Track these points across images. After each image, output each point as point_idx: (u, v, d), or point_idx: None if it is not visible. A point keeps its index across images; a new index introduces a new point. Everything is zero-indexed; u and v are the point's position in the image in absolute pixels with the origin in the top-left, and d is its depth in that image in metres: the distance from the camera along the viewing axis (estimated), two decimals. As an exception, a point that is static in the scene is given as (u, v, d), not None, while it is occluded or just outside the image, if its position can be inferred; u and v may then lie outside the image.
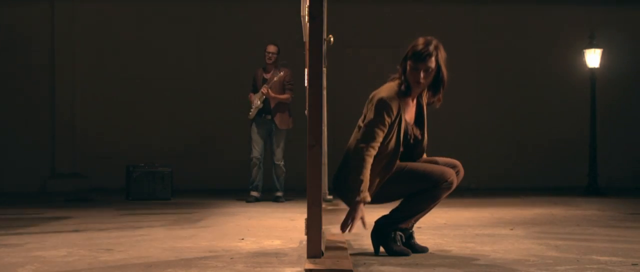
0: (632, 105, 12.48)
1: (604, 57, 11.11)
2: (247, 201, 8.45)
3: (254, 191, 8.61)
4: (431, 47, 3.90)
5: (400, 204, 4.06)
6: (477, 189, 11.40)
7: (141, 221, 6.18)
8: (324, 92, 3.77)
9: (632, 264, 3.70)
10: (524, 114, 12.40)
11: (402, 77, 3.95)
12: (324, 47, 3.78)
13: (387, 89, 3.93)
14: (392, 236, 4.03)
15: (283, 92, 8.64)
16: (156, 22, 11.80)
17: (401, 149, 3.96)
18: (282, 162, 8.69)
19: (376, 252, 4.05)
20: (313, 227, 3.48)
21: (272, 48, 8.77)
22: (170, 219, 6.40)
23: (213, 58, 11.75)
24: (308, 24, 3.55)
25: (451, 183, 3.98)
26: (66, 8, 11.66)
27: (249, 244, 4.48)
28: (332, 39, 4.11)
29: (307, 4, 3.56)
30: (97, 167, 11.50)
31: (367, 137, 3.82)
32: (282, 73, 8.56)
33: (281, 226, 5.70)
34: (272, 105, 8.60)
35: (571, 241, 4.72)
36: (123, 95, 11.69)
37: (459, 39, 12.45)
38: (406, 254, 3.99)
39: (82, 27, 11.74)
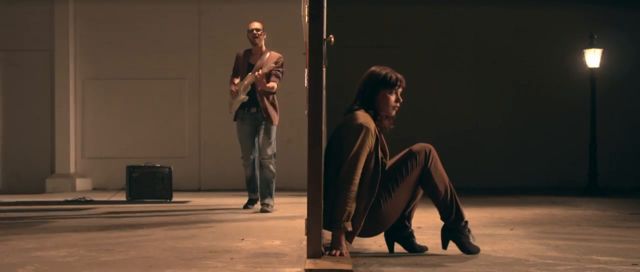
0: (632, 106, 12.49)
1: (604, 57, 11.11)
2: (246, 207, 7.40)
3: (251, 192, 7.42)
4: (397, 73, 4.10)
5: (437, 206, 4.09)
6: (477, 189, 11.40)
7: (141, 221, 6.17)
8: (324, 92, 3.77)
9: (632, 264, 3.70)
10: (523, 114, 12.41)
11: (369, 106, 4.03)
12: (324, 47, 3.78)
13: (362, 116, 3.95)
14: (463, 232, 4.07)
15: (268, 80, 7.13)
16: (156, 22, 11.80)
17: (380, 170, 3.98)
18: (273, 163, 7.24)
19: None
20: (313, 227, 3.48)
21: (256, 24, 7.28)
22: (170, 219, 6.40)
23: (213, 58, 11.76)
24: (308, 24, 3.55)
25: (428, 151, 4.02)
26: (66, 8, 11.66)
27: (249, 244, 4.48)
28: (332, 39, 4.09)
29: (307, 4, 3.56)
30: (97, 167, 11.50)
31: (354, 166, 3.82)
32: (268, 56, 7.17)
33: (281, 226, 5.69)
34: (259, 95, 7.13)
35: (571, 241, 4.72)
36: (123, 95, 11.69)
37: (458, 39, 12.46)
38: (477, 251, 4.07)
39: (82, 27, 11.74)
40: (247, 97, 7.16)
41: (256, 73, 6.99)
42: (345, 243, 3.79)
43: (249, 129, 7.23)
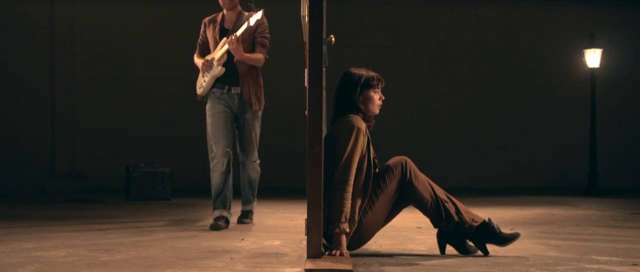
0: (632, 106, 12.48)
1: (604, 57, 11.12)
2: (213, 228, 5.35)
3: (220, 208, 5.51)
4: (371, 71, 4.14)
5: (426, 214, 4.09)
6: (477, 189, 11.40)
7: (141, 221, 6.18)
8: (324, 92, 3.77)
9: (632, 264, 3.70)
10: (523, 114, 12.40)
11: (354, 110, 4.03)
12: (325, 47, 3.78)
13: (353, 117, 3.97)
14: (458, 234, 4.05)
15: (252, 50, 5.48)
16: (156, 21, 11.80)
17: (375, 169, 3.99)
18: (257, 161, 5.67)
19: (442, 252, 4.10)
20: (313, 227, 3.48)
21: None
22: (170, 219, 6.40)
23: (213, 58, 11.76)
24: (308, 24, 3.55)
25: (404, 163, 4.01)
26: (66, 8, 11.66)
27: (249, 244, 4.48)
28: (333, 39, 4.08)
29: (307, 4, 3.56)
30: (97, 167, 11.50)
31: (348, 166, 3.82)
32: (252, 18, 5.38)
33: (281, 226, 5.69)
34: (240, 72, 5.44)
35: (571, 241, 4.72)
36: (123, 96, 11.69)
37: (458, 39, 12.46)
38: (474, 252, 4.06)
39: (82, 27, 11.74)
40: (224, 69, 5.46)
41: (231, 37, 5.32)
42: (345, 244, 3.79)
43: (226, 114, 5.49)
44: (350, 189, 3.80)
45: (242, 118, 5.54)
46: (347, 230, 3.77)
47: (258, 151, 5.69)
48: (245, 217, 5.80)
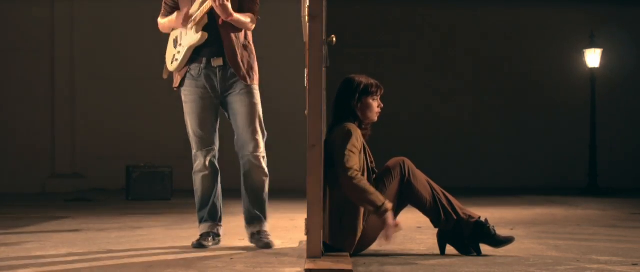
0: (632, 105, 12.49)
1: (604, 57, 11.13)
2: (197, 246, 4.20)
3: (208, 221, 4.28)
4: (371, 78, 4.12)
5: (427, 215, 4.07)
6: (477, 189, 11.40)
7: (141, 221, 6.18)
8: (324, 93, 3.77)
9: (633, 264, 3.70)
10: (523, 114, 12.41)
11: (352, 117, 4.03)
12: (325, 47, 3.78)
13: (348, 125, 3.98)
14: (458, 233, 4.03)
15: (237, 11, 4.13)
16: (156, 21, 11.78)
17: (373, 174, 4.00)
18: (262, 156, 4.27)
19: (442, 253, 4.08)
20: (313, 227, 3.48)
21: None
22: (170, 219, 6.40)
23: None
24: (308, 24, 3.55)
25: (402, 163, 4.01)
26: (66, 8, 11.65)
27: (249, 244, 4.48)
28: (334, 39, 4.05)
29: (307, 4, 3.56)
30: (97, 167, 11.49)
31: (351, 163, 3.82)
32: None
33: (281, 226, 5.69)
34: (224, 37, 4.13)
35: (571, 241, 4.72)
36: (123, 95, 11.68)
37: (458, 39, 12.46)
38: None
39: (82, 27, 11.73)
40: (206, 36, 4.12)
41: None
42: (393, 220, 3.75)
43: (205, 100, 4.26)
44: (363, 179, 3.77)
45: (232, 97, 4.20)
46: (389, 206, 3.75)
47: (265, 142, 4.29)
48: (259, 239, 4.24)
